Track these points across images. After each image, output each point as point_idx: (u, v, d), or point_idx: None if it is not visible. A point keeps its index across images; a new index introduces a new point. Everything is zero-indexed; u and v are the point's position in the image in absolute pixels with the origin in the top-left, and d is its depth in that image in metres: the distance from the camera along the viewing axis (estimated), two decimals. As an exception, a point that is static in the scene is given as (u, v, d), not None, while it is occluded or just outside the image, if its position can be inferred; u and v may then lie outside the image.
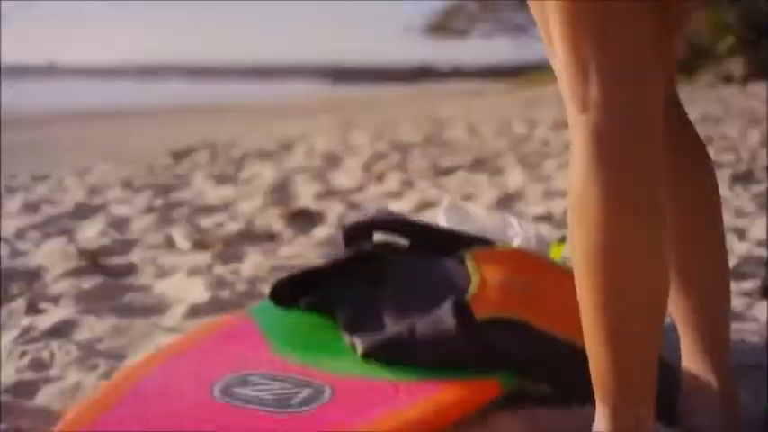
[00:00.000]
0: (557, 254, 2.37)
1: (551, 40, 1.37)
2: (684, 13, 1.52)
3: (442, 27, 49.22)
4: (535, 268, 1.83)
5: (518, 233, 1.98)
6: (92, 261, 3.23)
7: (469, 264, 1.80)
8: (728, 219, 3.74)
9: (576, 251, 1.30)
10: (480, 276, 1.76)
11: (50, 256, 3.40)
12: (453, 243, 1.88)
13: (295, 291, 1.78)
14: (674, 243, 1.50)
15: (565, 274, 1.74)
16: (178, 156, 8.31)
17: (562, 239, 2.51)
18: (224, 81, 73.06)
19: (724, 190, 4.57)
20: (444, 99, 32.43)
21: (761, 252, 3.05)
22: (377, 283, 1.77)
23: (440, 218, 2.08)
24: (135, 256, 3.44)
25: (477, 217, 2.04)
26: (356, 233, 1.95)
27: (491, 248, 1.86)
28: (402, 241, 1.96)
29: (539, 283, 1.79)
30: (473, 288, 1.74)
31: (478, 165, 6.26)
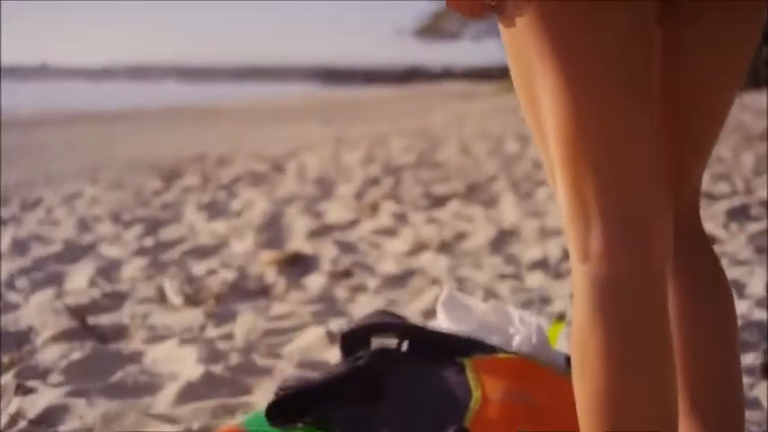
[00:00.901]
0: (555, 333, 2.33)
1: (555, 182, 1.33)
2: (706, 138, 1.48)
3: (432, 29, 49.27)
4: (536, 378, 1.79)
5: (518, 330, 1.93)
6: (81, 321, 3.18)
7: (470, 375, 1.76)
8: (725, 268, 3.70)
9: (579, 390, 1.27)
10: (481, 391, 1.73)
11: (40, 312, 3.36)
12: (452, 348, 1.84)
13: (292, 408, 1.74)
14: (686, 362, 1.47)
15: (565, 382, 1.70)
16: (168, 177, 8.26)
17: (560, 317, 2.47)
18: (215, 82, 72.98)
19: (718, 228, 4.54)
20: (435, 105, 32.41)
21: (761, 315, 2.99)
22: (376, 400, 1.73)
23: (438, 310, 2.03)
24: (125, 314, 3.38)
25: (477, 311, 2.00)
26: (354, 339, 1.91)
27: (491, 356, 1.82)
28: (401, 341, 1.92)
29: (539, 394, 1.76)
30: (474, 404, 1.70)
31: (472, 193, 6.22)
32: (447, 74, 62.32)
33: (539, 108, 1.32)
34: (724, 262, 3.83)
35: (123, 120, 29.33)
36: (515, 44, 1.34)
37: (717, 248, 4.10)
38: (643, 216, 1.27)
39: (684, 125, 1.44)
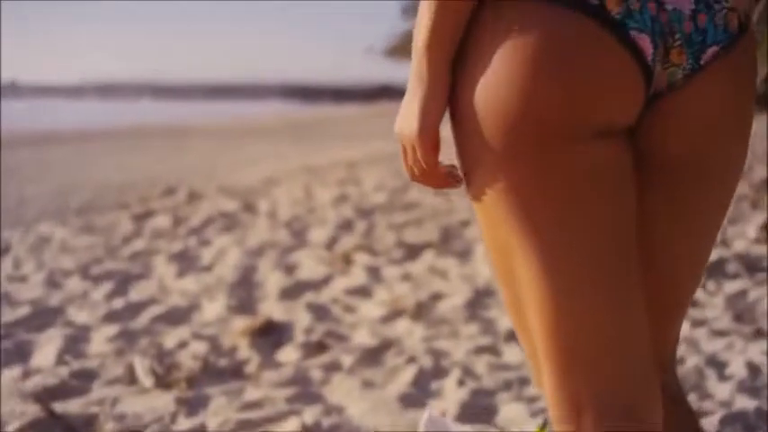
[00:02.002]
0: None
1: (539, 372, 1.27)
2: (685, 297, 1.43)
3: (402, 49, 49.19)
4: None
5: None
6: (48, 411, 3.09)
7: None
8: (704, 342, 3.66)
9: None
10: None
11: (8, 397, 3.26)
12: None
13: None
14: None
15: None
16: (138, 216, 8.18)
17: (543, 425, 2.42)
18: (186, 99, 72.71)
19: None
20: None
21: (744, 403, 2.94)
22: None
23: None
24: (94, 398, 3.30)
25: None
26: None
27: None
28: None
29: None
30: None
31: (446, 242, 6.17)
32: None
33: (519, 294, 1.26)
34: (702, 333, 3.79)
35: (94, 140, 29.17)
36: (490, 222, 1.29)
37: (695, 313, 4.07)
38: (637, 404, 1.22)
39: (662, 290, 1.40)
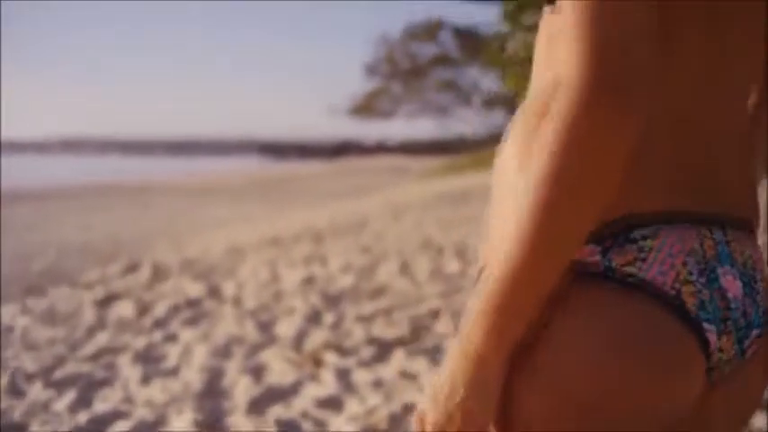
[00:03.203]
0: None
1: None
2: None
3: (365, 108, 49.51)
4: None
5: None
6: None
7: None
8: None
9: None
10: None
11: None
12: None
13: None
14: None
15: None
16: (101, 301, 8.07)
17: None
18: (152, 155, 72.51)
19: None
20: (370, 184, 32.48)
21: None
22: None
23: None
24: None
25: None
26: None
27: None
28: None
29: None
30: None
31: (416, 339, 6.10)
32: (381, 147, 62.62)
33: None
34: None
35: (57, 198, 29.03)
36: None
37: None
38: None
39: None
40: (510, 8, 5.16)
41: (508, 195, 1.23)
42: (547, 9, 1.29)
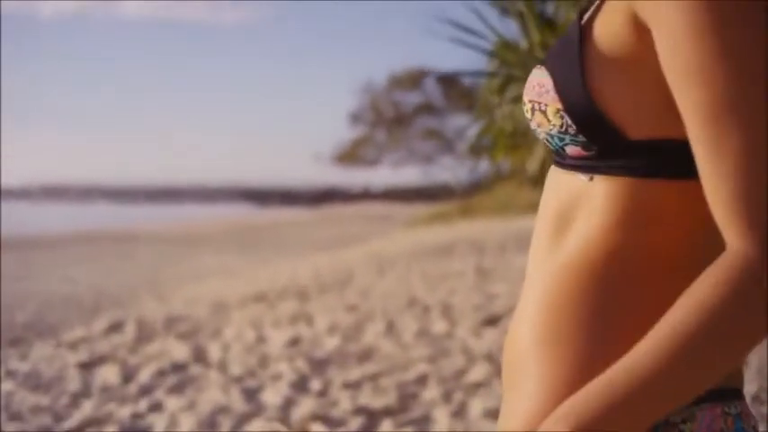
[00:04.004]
0: None
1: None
2: None
3: (350, 156, 49.66)
4: None
5: None
6: None
7: None
8: None
9: None
10: None
11: None
12: None
13: None
14: None
15: None
16: (85, 365, 8.02)
17: None
18: (135, 203, 72.47)
19: None
20: (354, 233, 32.47)
21: None
22: None
23: None
24: None
25: None
26: None
27: None
28: None
29: None
30: None
31: (404, 407, 6.08)
32: (365, 194, 62.74)
33: None
34: None
35: (40, 246, 28.91)
36: None
37: None
38: None
39: None
40: (495, 84, 5.21)
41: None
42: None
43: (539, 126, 1.29)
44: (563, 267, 1.27)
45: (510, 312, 8.79)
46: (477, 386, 6.52)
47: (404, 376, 6.93)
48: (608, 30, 1.22)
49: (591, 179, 1.25)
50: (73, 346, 9.27)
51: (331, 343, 8.51)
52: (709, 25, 1.09)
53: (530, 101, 1.30)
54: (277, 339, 8.84)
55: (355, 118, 49.85)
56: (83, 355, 8.60)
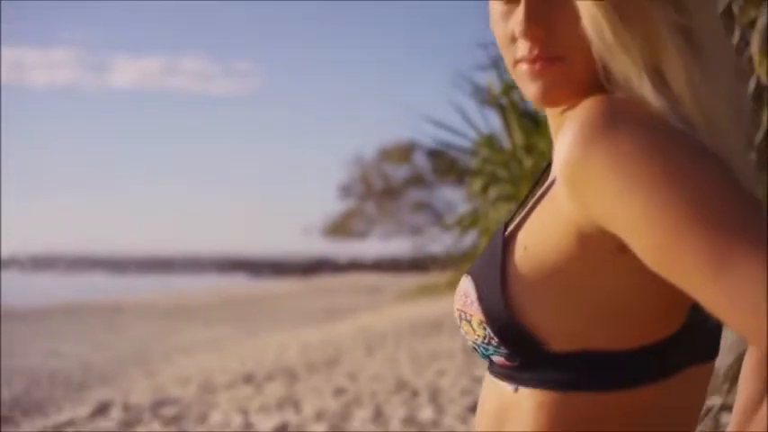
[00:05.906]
0: None
1: None
2: None
3: (340, 228, 49.76)
4: None
5: None
6: None
7: None
8: None
9: None
10: None
11: None
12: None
13: None
14: None
15: None
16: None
17: None
18: (122, 273, 72.24)
19: None
20: (342, 306, 32.38)
21: None
22: None
23: None
24: None
25: None
26: None
27: None
28: None
29: None
30: None
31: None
32: (354, 265, 62.71)
33: None
34: None
35: (26, 318, 28.69)
36: None
37: None
38: None
39: None
40: (477, 186, 5.29)
41: None
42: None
43: (466, 334, 1.31)
44: None
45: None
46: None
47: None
48: (538, 239, 1.22)
49: (516, 390, 1.24)
50: (58, 429, 9.22)
51: (318, 429, 8.48)
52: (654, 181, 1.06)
53: (457, 309, 1.30)
54: (264, 425, 8.80)
55: (345, 190, 50.13)
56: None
